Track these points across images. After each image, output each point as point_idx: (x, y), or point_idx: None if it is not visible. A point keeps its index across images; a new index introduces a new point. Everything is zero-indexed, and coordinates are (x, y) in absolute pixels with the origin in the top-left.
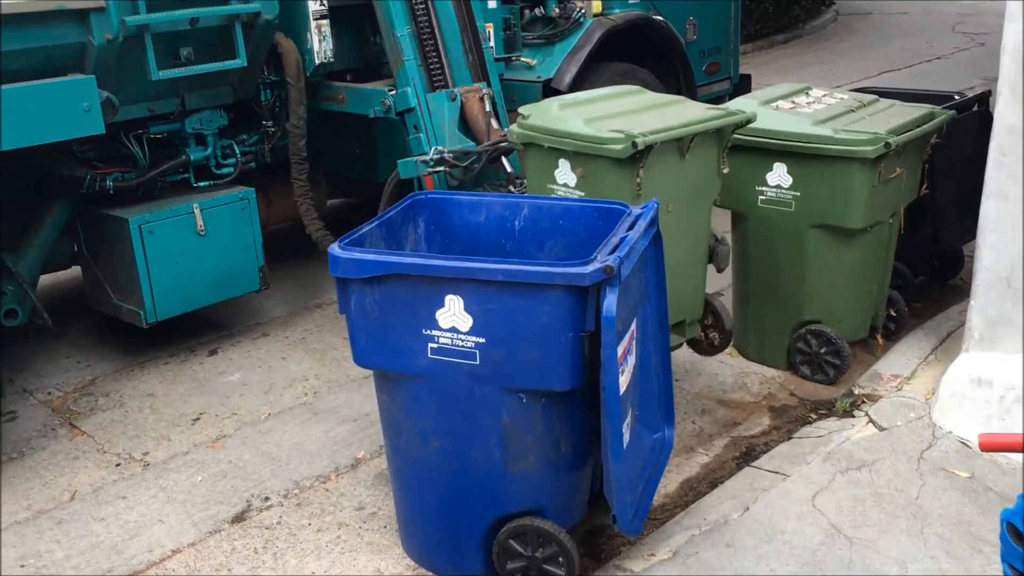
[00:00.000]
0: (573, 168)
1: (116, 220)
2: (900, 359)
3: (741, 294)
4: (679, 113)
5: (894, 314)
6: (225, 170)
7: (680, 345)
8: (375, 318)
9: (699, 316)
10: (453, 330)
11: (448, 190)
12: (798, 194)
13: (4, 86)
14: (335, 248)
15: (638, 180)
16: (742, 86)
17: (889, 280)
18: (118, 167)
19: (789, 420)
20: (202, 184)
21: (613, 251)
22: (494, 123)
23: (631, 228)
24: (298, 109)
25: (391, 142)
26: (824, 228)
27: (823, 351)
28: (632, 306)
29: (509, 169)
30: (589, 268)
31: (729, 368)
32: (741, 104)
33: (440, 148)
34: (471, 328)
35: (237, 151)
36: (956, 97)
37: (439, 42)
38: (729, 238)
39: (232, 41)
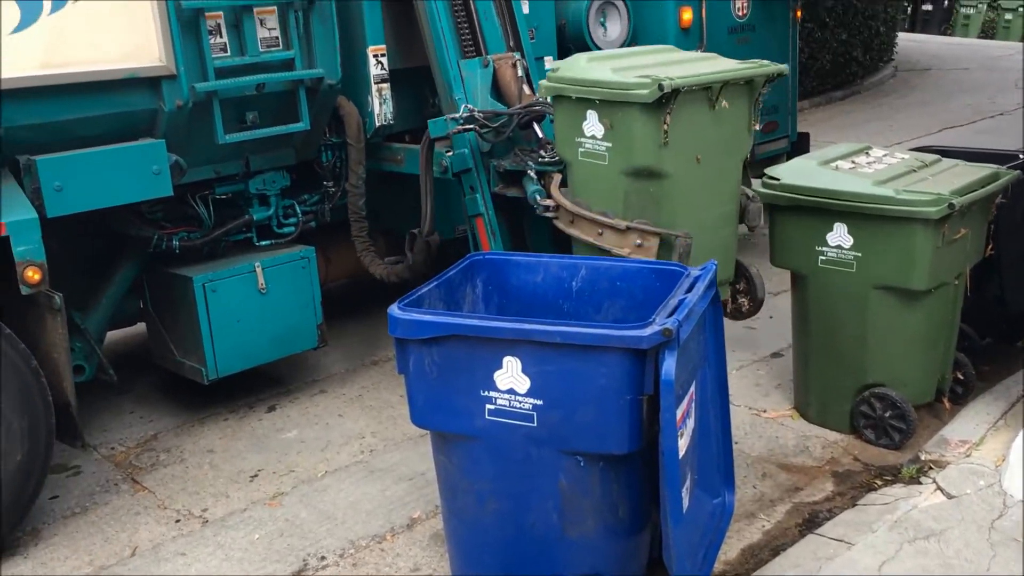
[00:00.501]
0: (600, 119)
1: (181, 279)
2: (968, 424)
3: (802, 355)
4: (709, 65)
5: (961, 377)
6: (286, 229)
7: None
8: (433, 379)
9: (730, 277)
10: (511, 391)
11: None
12: (860, 255)
13: (80, 151)
14: (394, 309)
15: (665, 127)
16: (800, 144)
17: (955, 342)
18: (184, 227)
19: (853, 486)
20: (264, 243)
21: (672, 313)
22: (526, 89)
23: (689, 290)
24: (357, 169)
25: (447, 201)
26: (887, 289)
27: (888, 415)
28: (691, 368)
29: (540, 135)
30: (648, 331)
31: (790, 431)
32: (800, 165)
33: (470, 107)
34: (529, 390)
35: (298, 211)
36: (1021, 156)
37: (473, 14)
38: (789, 297)
39: (296, 105)
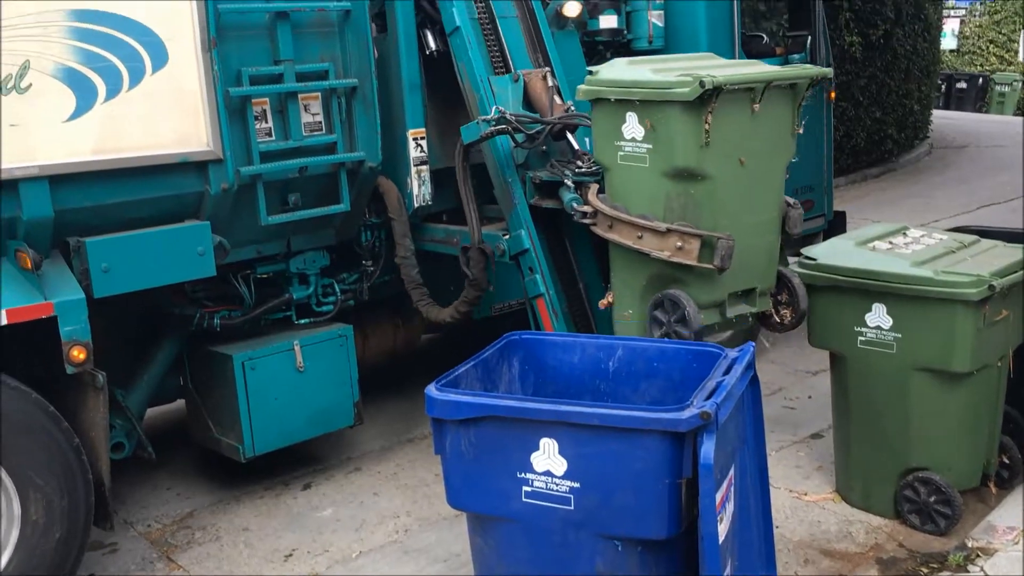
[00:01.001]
0: (640, 120)
1: (221, 356)
2: (1015, 509)
3: (843, 437)
4: (751, 68)
5: (1007, 461)
6: (325, 308)
7: (748, 318)
8: (470, 459)
9: (771, 286)
10: (547, 474)
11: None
12: (900, 336)
13: (128, 233)
14: (432, 389)
15: (707, 127)
16: (837, 223)
17: (1000, 425)
18: (225, 306)
19: (898, 573)
20: (303, 321)
21: (710, 396)
22: (557, 99)
23: (727, 372)
24: (404, 241)
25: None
26: (929, 371)
27: (932, 500)
28: (730, 451)
29: (576, 146)
30: (686, 414)
31: (832, 515)
32: (837, 245)
33: (501, 108)
34: (566, 472)
35: (337, 289)
36: None
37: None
38: (829, 377)
39: (337, 187)
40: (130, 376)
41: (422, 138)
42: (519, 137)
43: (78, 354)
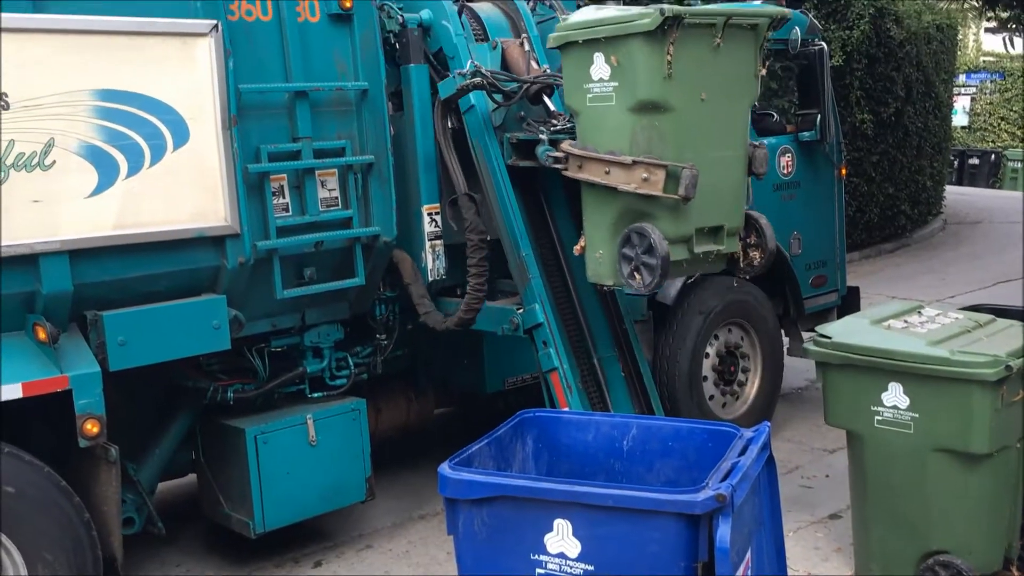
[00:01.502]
0: (607, 59)
1: (233, 430)
2: None
3: (861, 518)
4: (714, 7)
5: None
6: (338, 381)
7: (716, 257)
8: (482, 540)
9: (739, 226)
10: (561, 555)
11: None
12: (917, 416)
13: (145, 307)
14: (445, 468)
15: (669, 58)
16: (851, 299)
17: (1022, 508)
18: (239, 379)
19: None
20: (316, 395)
21: (725, 477)
22: (534, 64)
23: (743, 452)
24: (423, 302)
25: (498, 353)
26: (947, 452)
27: None
28: (746, 534)
29: (552, 108)
30: (701, 496)
31: None
32: (851, 324)
33: (477, 64)
34: (580, 554)
35: (351, 363)
36: None
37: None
38: (846, 456)
39: (352, 261)
40: (142, 449)
41: (437, 213)
42: (497, 98)
43: (92, 427)
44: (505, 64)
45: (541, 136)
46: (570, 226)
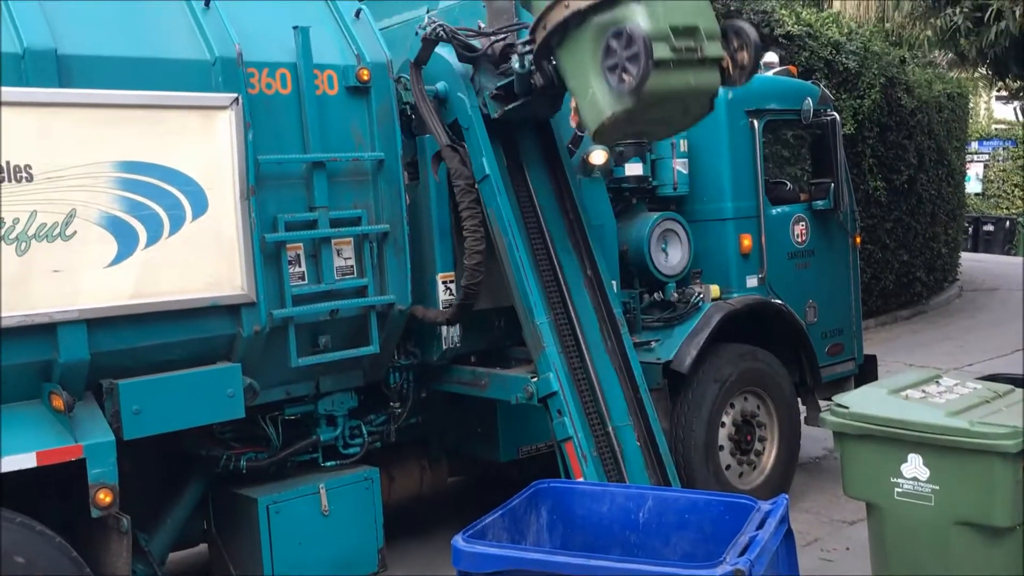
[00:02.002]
0: None
1: (245, 499)
2: None
3: None
4: None
5: None
6: (352, 450)
7: (706, 64)
8: None
9: (713, 28)
10: None
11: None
12: (937, 488)
13: (160, 376)
14: (459, 541)
15: None
16: (868, 367)
17: None
18: (252, 447)
19: None
20: (329, 464)
21: (743, 552)
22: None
23: (761, 526)
24: (425, 313)
25: (512, 422)
26: (969, 525)
27: None
28: None
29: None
30: (719, 571)
31: None
32: (869, 393)
33: (436, 18)
34: None
35: (364, 431)
36: None
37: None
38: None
39: (367, 329)
40: (154, 519)
41: (451, 281)
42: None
43: (104, 497)
44: None
45: (514, 59)
46: (583, 294)
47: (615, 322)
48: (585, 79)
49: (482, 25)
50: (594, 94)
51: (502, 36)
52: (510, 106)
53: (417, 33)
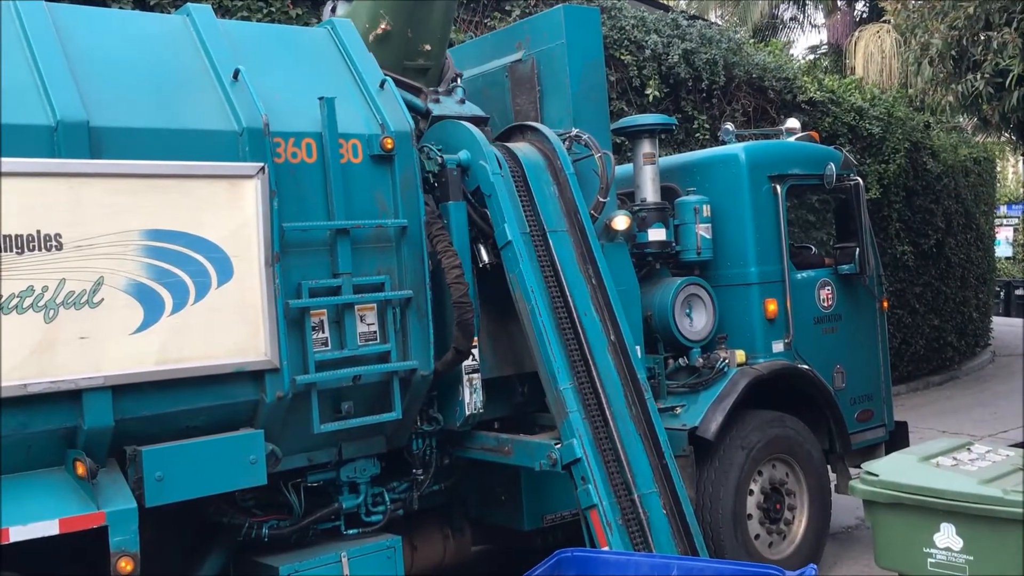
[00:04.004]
0: None
1: (267, 568)
2: None
3: None
4: None
5: None
6: (374, 517)
7: None
8: None
9: None
10: None
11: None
12: (972, 559)
13: (183, 442)
14: None
15: None
16: (899, 434)
17: None
18: (274, 515)
19: None
20: (351, 531)
21: None
22: None
23: None
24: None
25: (536, 489)
26: None
27: None
28: None
29: None
30: None
31: None
32: (899, 461)
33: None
34: None
35: (387, 499)
36: None
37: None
38: None
39: (389, 395)
40: None
41: (475, 347)
42: None
43: (125, 565)
44: None
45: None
46: (607, 359)
47: (639, 387)
48: None
49: None
50: None
51: None
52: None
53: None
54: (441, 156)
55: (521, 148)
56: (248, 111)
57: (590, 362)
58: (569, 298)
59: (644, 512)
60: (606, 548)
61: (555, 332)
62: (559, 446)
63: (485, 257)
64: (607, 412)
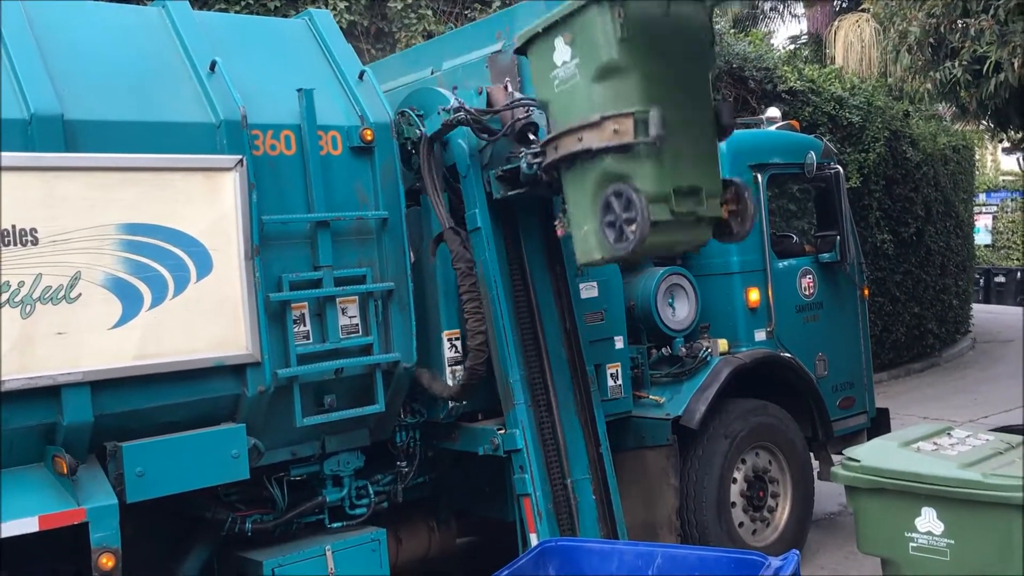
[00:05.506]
0: (565, 41)
1: (251, 563)
2: None
3: None
4: None
5: None
6: (358, 511)
7: (702, 222)
8: None
9: (717, 189)
10: None
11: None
12: (952, 542)
13: (164, 437)
14: None
15: (620, 20)
16: (880, 420)
17: None
18: (257, 509)
19: None
20: (335, 525)
21: None
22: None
23: None
24: (433, 382)
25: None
26: None
27: None
28: None
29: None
30: None
31: None
32: (880, 446)
33: (460, 100)
34: None
35: (371, 492)
36: None
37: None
38: None
39: (372, 388)
40: None
41: (457, 339)
42: (480, 132)
43: (107, 561)
44: (490, 107)
45: (521, 156)
46: (560, 349)
47: (586, 378)
48: (582, 215)
49: (496, 98)
50: (588, 233)
51: (522, 117)
52: (512, 192)
53: (439, 114)
54: (421, 128)
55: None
56: (225, 103)
57: (543, 352)
58: (531, 287)
59: (575, 497)
60: (534, 534)
61: (511, 322)
62: (502, 432)
63: (433, 163)
64: (553, 401)
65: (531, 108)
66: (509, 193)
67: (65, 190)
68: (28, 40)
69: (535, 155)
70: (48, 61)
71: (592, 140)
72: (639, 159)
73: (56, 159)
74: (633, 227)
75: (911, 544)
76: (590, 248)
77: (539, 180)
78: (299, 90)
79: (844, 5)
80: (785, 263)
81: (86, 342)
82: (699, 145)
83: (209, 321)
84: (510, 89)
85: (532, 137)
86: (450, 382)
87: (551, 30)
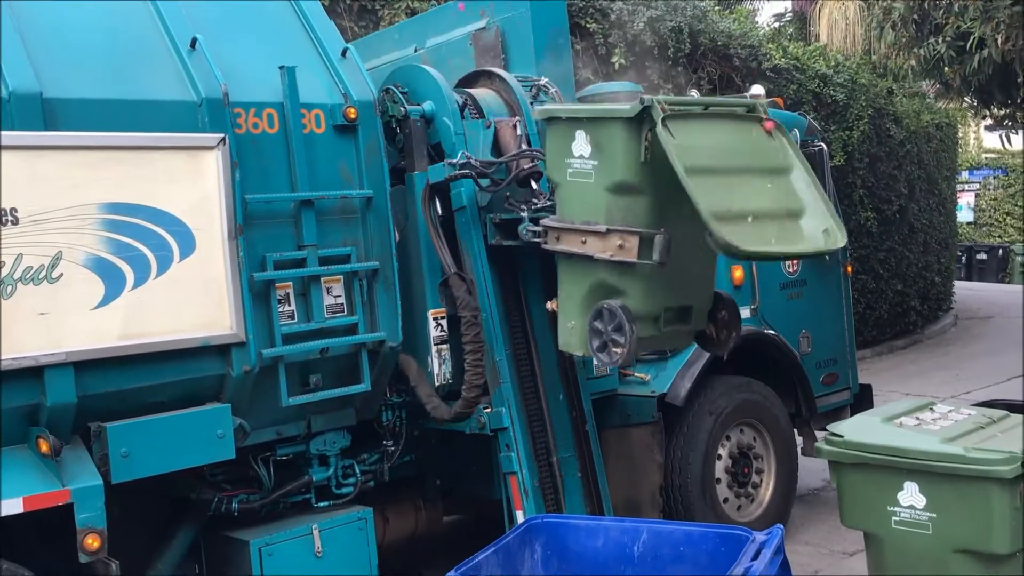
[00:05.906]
0: (588, 139)
1: (237, 542)
2: None
3: None
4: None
5: None
6: (345, 490)
7: (686, 333)
8: None
9: (708, 305)
10: None
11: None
12: (934, 516)
13: (148, 418)
14: None
15: (646, 144)
16: (863, 396)
17: None
18: (244, 489)
19: None
20: (322, 504)
21: None
22: (524, 146)
23: (756, 557)
24: (431, 399)
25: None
26: (968, 553)
27: None
28: None
29: (537, 189)
30: None
31: None
32: (863, 421)
33: (467, 153)
34: None
35: (357, 471)
36: None
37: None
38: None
39: (358, 367)
40: (144, 563)
41: (442, 318)
42: (483, 182)
43: (92, 542)
44: (496, 143)
45: (522, 214)
46: (545, 325)
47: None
48: (572, 309)
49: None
50: (574, 328)
51: (527, 167)
52: (507, 243)
53: (445, 167)
54: (405, 107)
55: (484, 96)
56: (207, 81)
57: (529, 330)
58: (517, 263)
59: (560, 475)
60: (520, 511)
61: (497, 301)
62: (489, 411)
63: (440, 210)
64: (539, 379)
65: (537, 159)
66: (504, 243)
67: (45, 169)
68: (6, 18)
69: (534, 225)
70: (26, 39)
71: (595, 248)
72: (636, 277)
73: (36, 138)
74: (619, 350)
75: (894, 518)
76: (573, 342)
77: (534, 247)
78: (281, 68)
79: None
80: None
81: (68, 322)
82: (699, 264)
83: (193, 301)
84: (519, 131)
85: (534, 186)
86: (437, 364)
87: (574, 123)
